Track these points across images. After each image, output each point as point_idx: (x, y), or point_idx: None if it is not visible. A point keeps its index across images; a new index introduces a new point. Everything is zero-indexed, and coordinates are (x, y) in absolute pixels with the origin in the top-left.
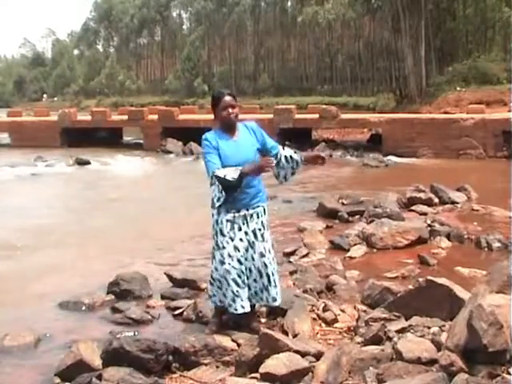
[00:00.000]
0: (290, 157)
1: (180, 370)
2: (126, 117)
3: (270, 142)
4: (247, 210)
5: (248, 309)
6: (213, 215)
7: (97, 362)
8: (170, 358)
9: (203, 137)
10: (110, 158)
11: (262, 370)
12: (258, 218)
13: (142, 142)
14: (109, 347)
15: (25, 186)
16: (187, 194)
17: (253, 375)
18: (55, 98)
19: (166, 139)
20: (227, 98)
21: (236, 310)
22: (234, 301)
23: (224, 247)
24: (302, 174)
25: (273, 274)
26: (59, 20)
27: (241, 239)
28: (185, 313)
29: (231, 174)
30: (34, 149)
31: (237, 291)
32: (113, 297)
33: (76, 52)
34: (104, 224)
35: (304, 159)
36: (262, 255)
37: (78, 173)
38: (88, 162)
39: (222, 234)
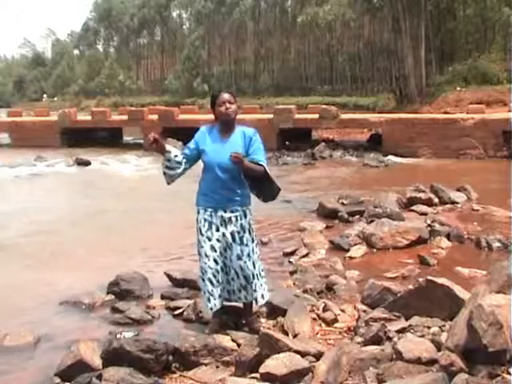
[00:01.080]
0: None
1: (180, 370)
2: (125, 117)
3: (257, 155)
4: (225, 211)
5: (218, 307)
6: (196, 212)
7: (97, 362)
8: (170, 358)
9: (200, 128)
10: (110, 158)
11: (262, 370)
12: (236, 220)
13: (142, 142)
14: (109, 347)
15: (24, 186)
16: (187, 194)
17: (253, 375)
18: (55, 98)
19: (165, 139)
20: (225, 95)
21: (211, 308)
22: (208, 300)
23: (202, 246)
24: (301, 174)
25: (253, 278)
26: (59, 20)
27: (218, 240)
28: (185, 313)
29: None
30: (34, 149)
31: (211, 290)
32: (113, 297)
33: (76, 52)
34: (104, 224)
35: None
36: (239, 258)
37: (78, 173)
38: (88, 162)
39: (201, 233)
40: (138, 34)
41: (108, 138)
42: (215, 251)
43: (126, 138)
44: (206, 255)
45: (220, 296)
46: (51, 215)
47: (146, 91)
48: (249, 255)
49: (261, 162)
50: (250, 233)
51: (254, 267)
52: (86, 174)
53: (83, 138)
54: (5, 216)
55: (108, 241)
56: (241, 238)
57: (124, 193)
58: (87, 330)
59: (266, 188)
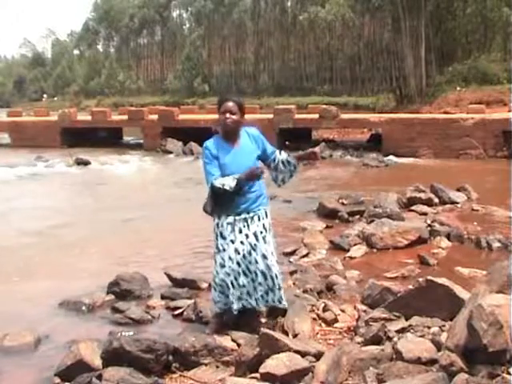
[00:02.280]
0: (287, 161)
1: (180, 370)
2: (126, 117)
3: (270, 148)
4: (248, 213)
5: (236, 308)
6: (214, 219)
7: (97, 362)
8: (170, 357)
9: (204, 145)
10: (110, 158)
11: (261, 370)
12: (259, 220)
13: (142, 141)
14: (109, 347)
15: (24, 186)
16: (187, 194)
17: (253, 375)
18: (55, 98)
19: (165, 139)
20: (228, 104)
21: (236, 310)
22: (232, 302)
23: (224, 250)
24: (301, 174)
25: (276, 277)
26: (59, 20)
27: (242, 242)
28: (185, 313)
29: (229, 182)
30: (34, 149)
31: (232, 293)
32: (113, 297)
33: (76, 52)
34: (104, 224)
35: (298, 159)
36: (265, 257)
37: (78, 173)
38: (88, 162)
39: (223, 237)
40: (138, 34)
41: (108, 138)
42: (239, 254)
43: (126, 138)
44: (230, 258)
45: (239, 299)
46: (51, 216)
47: (146, 91)
48: (272, 254)
49: (290, 159)
50: (270, 232)
51: (277, 267)
52: (85, 173)
53: (83, 137)
54: (4, 215)
55: (108, 241)
56: (264, 238)
57: (124, 193)
58: (87, 330)
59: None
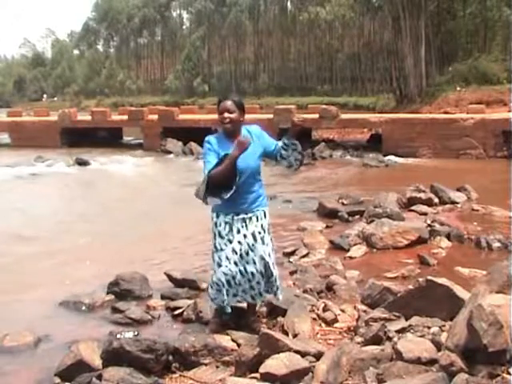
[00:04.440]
0: (284, 143)
1: (180, 370)
2: (126, 117)
3: (272, 143)
4: (246, 213)
5: (231, 304)
6: (212, 218)
7: (97, 361)
8: (170, 357)
9: (205, 139)
10: (110, 158)
11: (262, 370)
12: (257, 220)
13: (142, 141)
14: (109, 347)
15: (24, 186)
16: (187, 194)
17: (253, 375)
18: (55, 98)
19: (165, 139)
20: (226, 103)
21: (229, 306)
22: (225, 301)
23: (222, 249)
24: (301, 174)
25: (274, 277)
26: (59, 20)
27: (239, 242)
28: (185, 313)
29: (225, 192)
30: (34, 149)
31: (228, 290)
32: (113, 297)
33: (76, 52)
34: (103, 224)
35: (291, 136)
36: (263, 258)
37: (78, 173)
38: (88, 162)
39: (221, 236)
40: (138, 33)
41: (108, 138)
42: (236, 254)
43: (126, 138)
44: (227, 258)
45: (235, 295)
46: (50, 216)
47: (146, 91)
48: (269, 255)
49: (285, 141)
50: (268, 233)
51: (274, 267)
52: (85, 174)
53: (83, 137)
54: (4, 215)
55: (108, 241)
56: (262, 238)
57: (124, 193)
58: (87, 330)
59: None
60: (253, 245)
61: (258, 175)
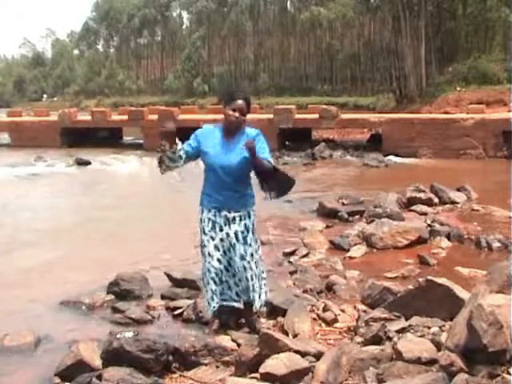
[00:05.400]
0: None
1: (180, 370)
2: (126, 117)
3: (261, 153)
4: (229, 211)
5: (216, 307)
6: (198, 213)
7: (97, 362)
8: (170, 357)
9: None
10: (110, 158)
11: (262, 370)
12: (240, 220)
13: (142, 142)
14: (109, 347)
15: (24, 186)
16: (187, 194)
17: (253, 375)
18: (55, 98)
19: (164, 139)
20: (239, 102)
21: (214, 308)
22: (212, 298)
23: (205, 245)
24: (302, 174)
25: (252, 279)
26: (59, 20)
27: (221, 239)
28: (185, 313)
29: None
30: (34, 149)
31: (214, 289)
32: (113, 297)
33: (76, 52)
34: (104, 224)
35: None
36: (243, 258)
37: (78, 173)
38: (88, 162)
39: (204, 233)
40: (139, 33)
41: (108, 138)
42: (218, 250)
43: (126, 138)
44: (210, 254)
45: (222, 294)
46: (50, 216)
47: (146, 91)
48: (252, 255)
49: (269, 159)
50: (253, 233)
51: (256, 267)
52: (85, 174)
53: (83, 137)
54: (4, 215)
55: (108, 240)
56: (244, 238)
57: (124, 193)
58: (87, 330)
59: (278, 183)
60: (234, 244)
61: (244, 176)
